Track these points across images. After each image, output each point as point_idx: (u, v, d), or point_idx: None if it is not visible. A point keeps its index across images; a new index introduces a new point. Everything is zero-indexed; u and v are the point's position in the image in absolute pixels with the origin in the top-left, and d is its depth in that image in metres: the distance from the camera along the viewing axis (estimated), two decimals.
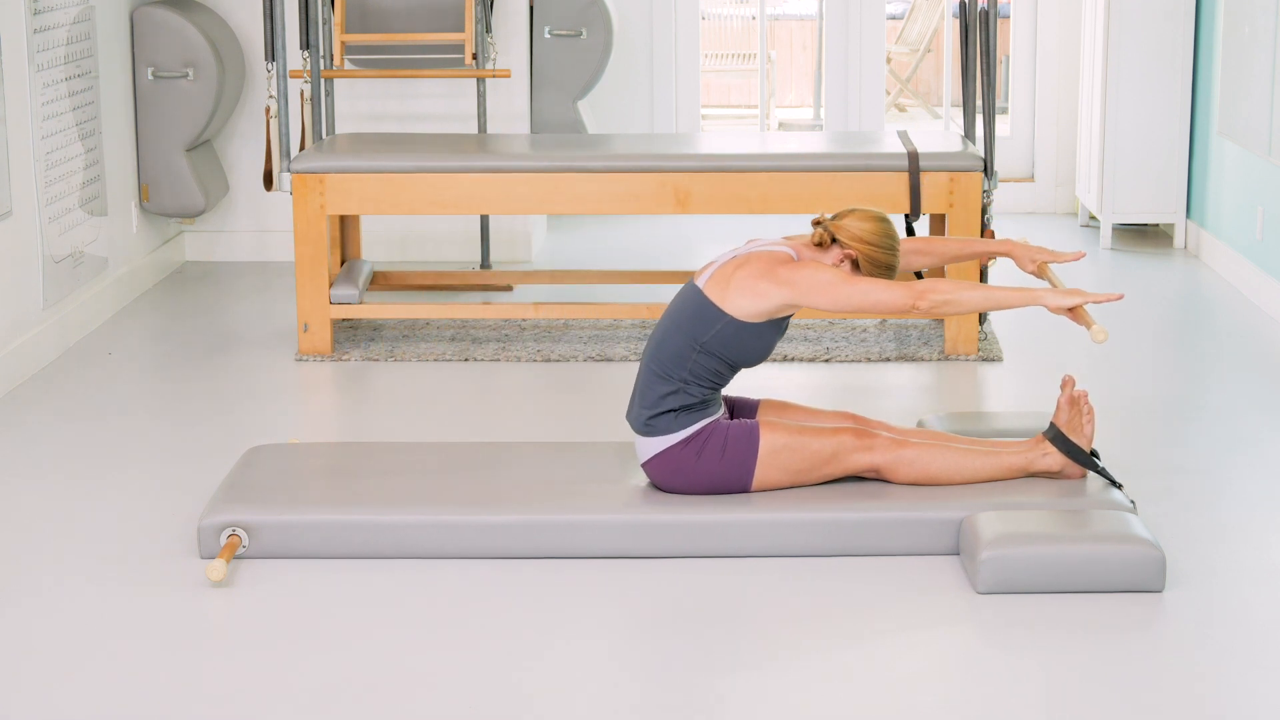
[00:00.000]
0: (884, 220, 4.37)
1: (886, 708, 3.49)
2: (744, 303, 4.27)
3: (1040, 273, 4.62)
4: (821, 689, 3.57)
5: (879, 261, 4.34)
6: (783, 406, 4.53)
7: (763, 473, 4.31)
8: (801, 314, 6.28)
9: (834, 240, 4.35)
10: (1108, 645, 3.76)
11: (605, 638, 3.84)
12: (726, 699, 3.53)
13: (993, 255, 4.70)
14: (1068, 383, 4.39)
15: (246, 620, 3.93)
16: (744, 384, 5.65)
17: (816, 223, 4.38)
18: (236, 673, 3.66)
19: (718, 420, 4.34)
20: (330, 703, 3.52)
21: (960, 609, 3.96)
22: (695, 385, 4.30)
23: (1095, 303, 4.27)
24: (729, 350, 4.30)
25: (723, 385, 4.35)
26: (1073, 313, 4.29)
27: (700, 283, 4.34)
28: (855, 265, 4.34)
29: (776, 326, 4.34)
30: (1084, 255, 4.73)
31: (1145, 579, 4.00)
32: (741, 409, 4.51)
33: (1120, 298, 4.39)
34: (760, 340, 4.32)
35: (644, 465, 4.36)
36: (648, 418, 4.33)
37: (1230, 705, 3.50)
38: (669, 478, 4.34)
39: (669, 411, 4.30)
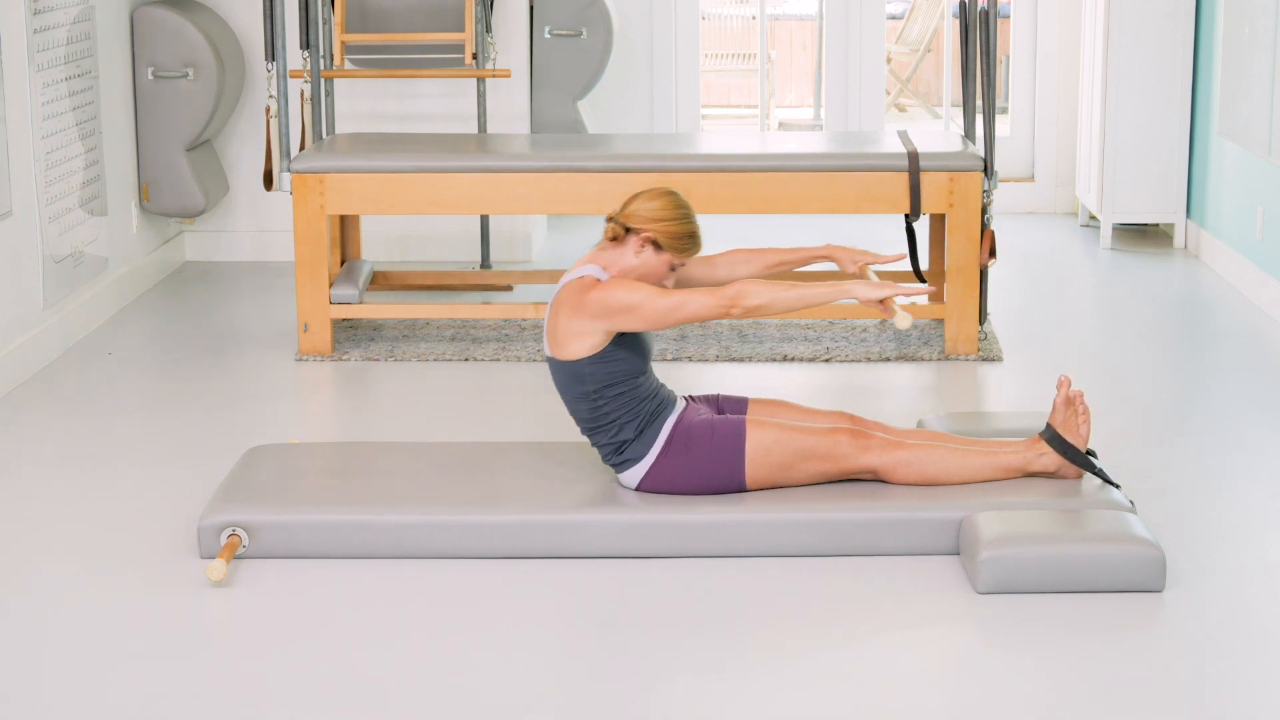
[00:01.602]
0: (670, 193, 4.35)
1: (886, 708, 3.49)
2: (578, 346, 4.29)
3: (862, 274, 4.62)
4: (821, 689, 3.57)
5: (677, 233, 4.32)
6: (775, 405, 4.53)
7: (754, 469, 4.31)
8: (801, 314, 6.29)
9: (628, 230, 4.34)
10: (1108, 645, 3.76)
11: (605, 638, 3.84)
12: (726, 699, 3.53)
13: (815, 259, 4.67)
14: (1063, 383, 4.40)
15: (246, 620, 3.93)
16: (744, 383, 5.66)
17: (610, 219, 4.38)
18: (236, 673, 3.66)
19: (687, 415, 4.35)
20: (330, 703, 3.52)
21: (960, 609, 3.96)
22: (626, 413, 4.32)
23: (904, 295, 4.32)
24: (615, 375, 4.31)
25: (649, 390, 4.35)
26: (882, 304, 4.33)
27: (547, 351, 4.37)
28: (656, 245, 4.32)
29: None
30: (904, 257, 4.81)
31: (1145, 579, 4.01)
32: (730, 407, 4.52)
33: (932, 290, 4.45)
34: (628, 346, 4.32)
35: (638, 489, 4.37)
36: (616, 461, 4.37)
37: (1230, 705, 3.50)
38: (665, 487, 4.34)
39: (628, 443, 4.33)
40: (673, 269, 4.36)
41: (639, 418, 4.32)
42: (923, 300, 4.34)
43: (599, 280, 4.29)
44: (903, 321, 4.28)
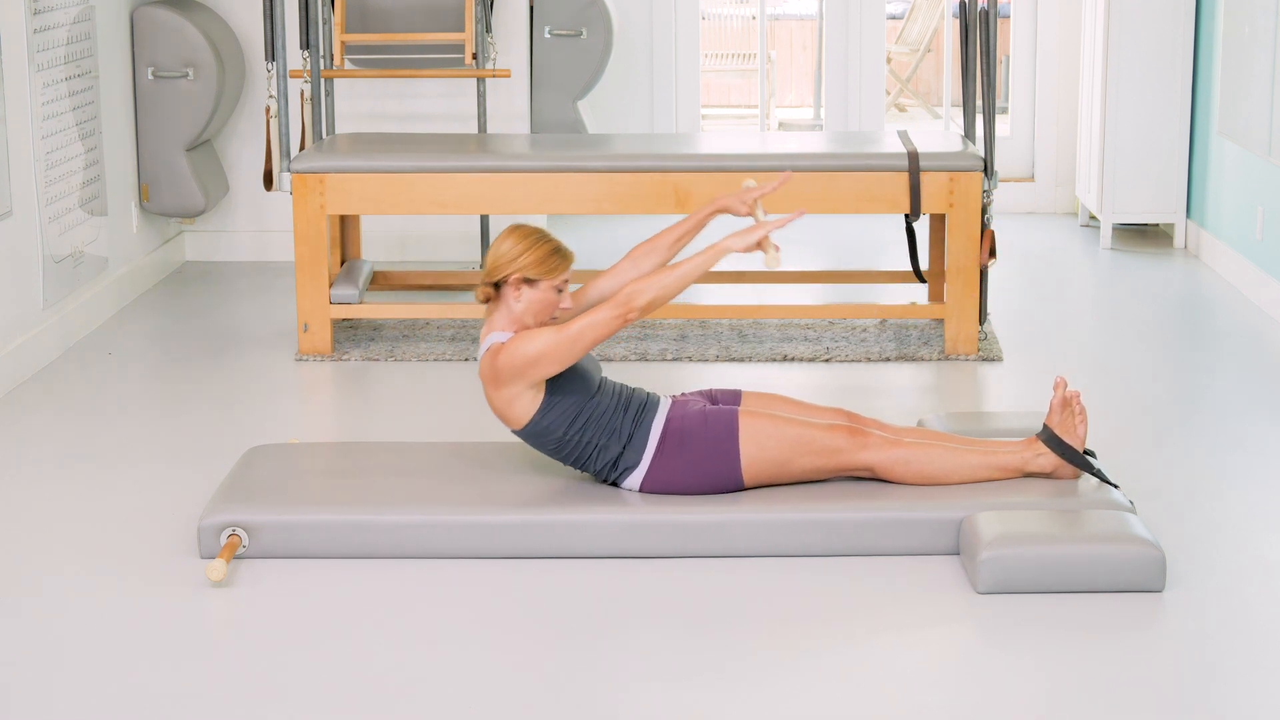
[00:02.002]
0: (514, 228, 4.34)
1: (886, 708, 3.49)
2: (518, 409, 4.31)
3: (752, 210, 4.60)
4: (821, 689, 3.57)
5: (536, 260, 4.29)
6: (770, 399, 4.53)
7: (750, 461, 4.31)
8: (801, 313, 6.29)
9: (498, 286, 4.33)
10: (1108, 645, 3.76)
11: (605, 638, 3.84)
12: (726, 699, 3.53)
13: (709, 218, 4.64)
14: (1060, 384, 4.40)
15: (246, 620, 3.93)
16: (744, 383, 5.65)
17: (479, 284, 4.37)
18: (236, 672, 3.66)
19: (677, 411, 4.35)
20: (330, 702, 3.52)
21: (960, 609, 3.96)
22: (601, 434, 4.33)
23: (776, 228, 4.31)
24: (570, 411, 4.30)
25: (613, 402, 4.35)
26: (759, 245, 4.32)
27: (504, 424, 4.38)
28: (528, 281, 4.29)
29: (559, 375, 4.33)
30: (790, 175, 4.69)
31: (1145, 579, 4.01)
32: (724, 399, 4.52)
33: (801, 214, 4.41)
34: (564, 384, 4.31)
35: (640, 490, 4.37)
36: (613, 479, 4.39)
37: (1230, 705, 3.50)
38: (665, 486, 4.34)
39: (619, 456, 4.34)
40: (559, 290, 4.33)
41: (618, 430, 4.32)
42: (795, 222, 4.32)
43: (501, 345, 4.29)
44: (771, 261, 4.27)
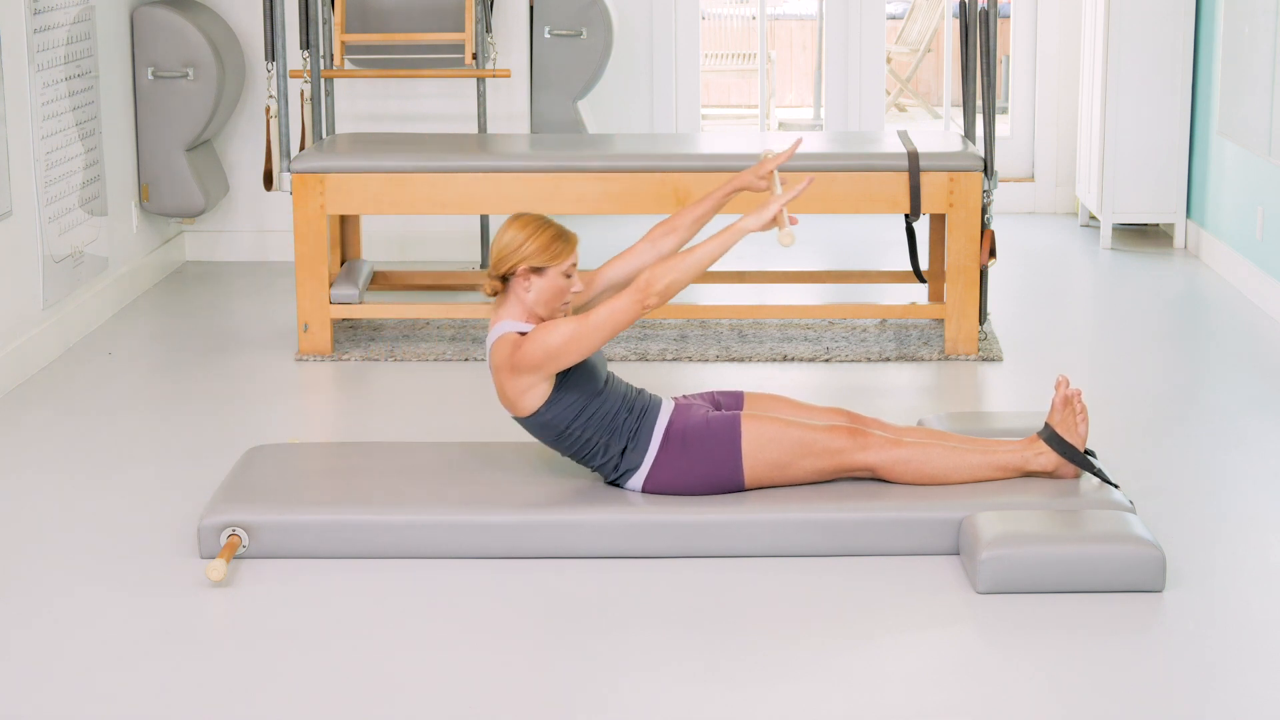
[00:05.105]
0: (514, 218, 4.32)
1: (886, 707, 3.49)
2: (529, 400, 4.29)
3: (770, 184, 4.59)
4: (821, 688, 3.57)
5: (540, 247, 4.27)
6: (772, 400, 4.53)
7: (752, 464, 4.31)
8: (801, 313, 6.29)
9: (504, 279, 4.31)
10: (1108, 645, 3.76)
11: (604, 638, 3.84)
12: (726, 699, 3.53)
13: (728, 197, 4.62)
14: (1061, 383, 4.40)
15: (246, 620, 3.93)
16: (744, 383, 5.66)
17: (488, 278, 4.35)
18: (237, 673, 3.66)
19: (679, 415, 4.35)
20: (330, 702, 3.52)
21: (960, 609, 3.96)
22: (604, 432, 4.33)
23: (789, 199, 4.28)
24: (575, 406, 4.30)
25: (617, 402, 4.34)
26: (775, 221, 4.31)
27: (508, 412, 4.37)
28: (535, 270, 4.27)
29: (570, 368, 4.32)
30: (800, 140, 4.70)
31: (1145, 579, 4.01)
32: (727, 402, 4.52)
33: (811, 180, 4.36)
34: (573, 380, 4.31)
35: (643, 491, 4.37)
36: (615, 478, 4.39)
37: (1230, 705, 3.50)
38: (666, 488, 4.34)
39: (621, 455, 4.34)
40: (568, 275, 4.31)
41: (620, 429, 4.32)
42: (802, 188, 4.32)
43: (521, 334, 4.27)
44: (785, 238, 4.25)
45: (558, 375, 4.30)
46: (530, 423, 4.35)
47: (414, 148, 6.28)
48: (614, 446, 4.33)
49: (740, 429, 4.31)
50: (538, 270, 4.28)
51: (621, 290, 4.31)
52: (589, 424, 4.31)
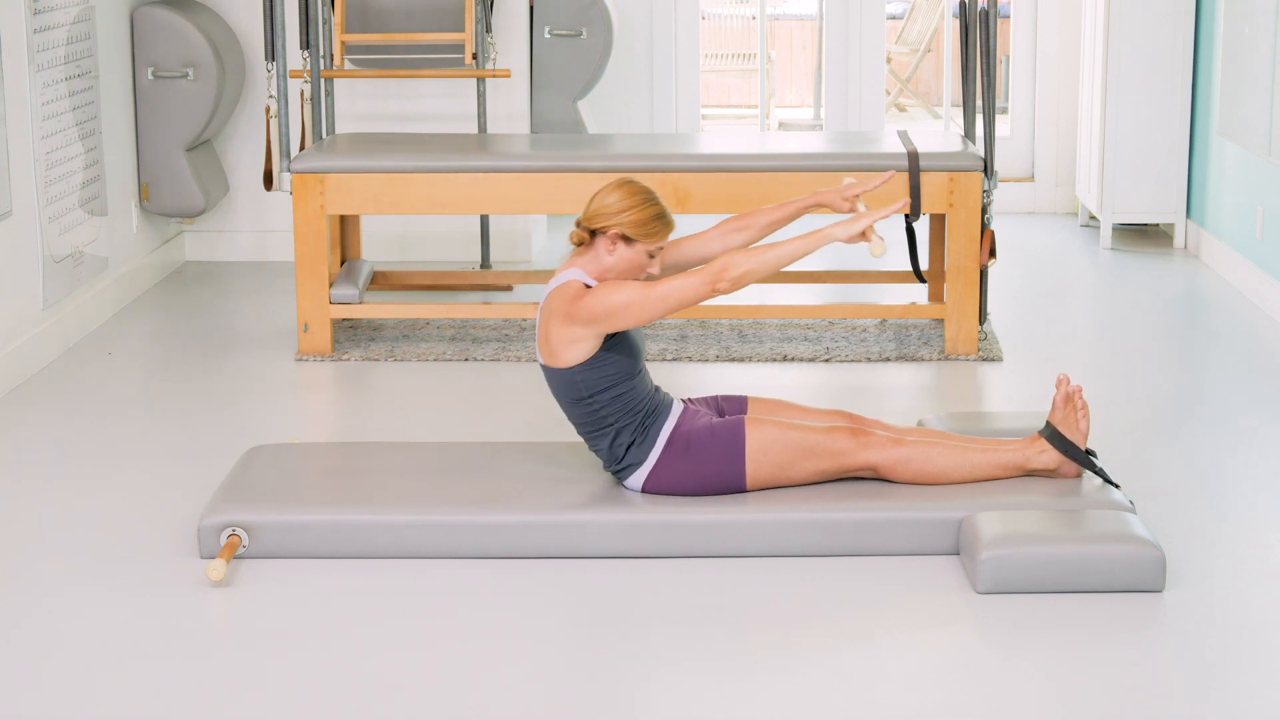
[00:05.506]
0: (625, 182, 4.31)
1: (886, 707, 3.49)
2: (571, 353, 4.27)
3: (854, 207, 4.59)
4: (821, 688, 3.57)
5: (641, 220, 4.27)
6: (775, 405, 4.53)
7: (754, 468, 4.31)
8: (801, 313, 6.29)
9: (593, 233, 4.31)
10: (1108, 645, 3.76)
11: (605, 638, 3.84)
12: (726, 699, 3.53)
13: (807, 210, 4.62)
14: (1062, 381, 4.40)
15: (246, 620, 3.93)
16: (744, 383, 5.66)
17: (576, 224, 4.34)
18: (237, 673, 3.66)
19: (685, 419, 4.34)
20: (330, 702, 3.52)
21: (960, 609, 3.96)
22: (622, 416, 4.32)
23: (883, 218, 4.28)
24: (608, 379, 4.29)
25: (644, 392, 4.34)
26: (864, 235, 4.30)
27: (540, 359, 4.35)
28: (626, 239, 4.27)
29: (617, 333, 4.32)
30: (893, 174, 4.71)
31: (1145, 579, 4.01)
32: (730, 407, 4.52)
33: (905, 204, 4.39)
34: (618, 349, 4.30)
35: (643, 491, 4.36)
36: (616, 468, 4.37)
37: (1230, 705, 3.50)
38: (667, 489, 4.34)
39: (627, 448, 4.33)
40: (651, 255, 4.32)
41: (636, 421, 4.32)
42: (897, 212, 4.31)
43: (586, 286, 4.27)
44: (877, 249, 4.26)
45: (606, 339, 4.28)
46: (560, 376, 4.31)
47: (414, 148, 6.28)
48: (624, 436, 4.32)
49: (744, 433, 4.31)
50: (628, 240, 4.28)
51: (681, 272, 4.30)
52: (613, 402, 4.30)
